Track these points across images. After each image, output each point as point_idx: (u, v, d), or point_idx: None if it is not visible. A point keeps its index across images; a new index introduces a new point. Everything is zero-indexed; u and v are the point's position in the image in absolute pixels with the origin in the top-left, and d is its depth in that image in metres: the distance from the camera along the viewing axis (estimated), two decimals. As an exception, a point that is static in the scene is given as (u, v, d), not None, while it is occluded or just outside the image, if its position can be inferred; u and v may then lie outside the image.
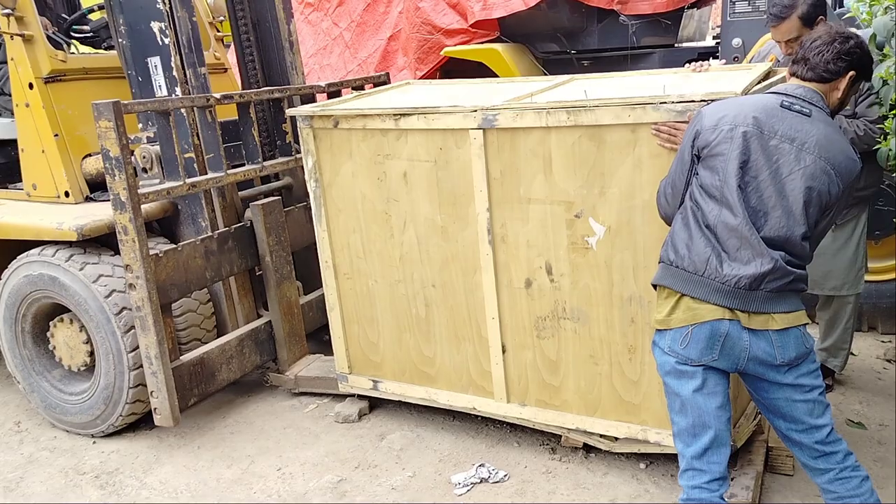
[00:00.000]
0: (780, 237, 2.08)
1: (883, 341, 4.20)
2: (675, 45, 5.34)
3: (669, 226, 2.37)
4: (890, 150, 2.63)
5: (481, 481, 3.14)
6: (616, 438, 3.09)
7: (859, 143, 3.12)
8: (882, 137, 2.92)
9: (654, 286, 2.30)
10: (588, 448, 3.23)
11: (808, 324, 2.17)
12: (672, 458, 3.12)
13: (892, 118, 2.59)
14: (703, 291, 2.12)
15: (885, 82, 2.58)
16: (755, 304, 2.09)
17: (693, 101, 2.55)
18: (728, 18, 4.68)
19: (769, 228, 2.09)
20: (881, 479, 2.98)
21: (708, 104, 2.47)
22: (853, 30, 2.27)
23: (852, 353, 3.99)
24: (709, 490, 2.18)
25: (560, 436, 3.27)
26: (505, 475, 3.17)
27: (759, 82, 2.93)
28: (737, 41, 4.62)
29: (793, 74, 2.26)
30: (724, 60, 4.66)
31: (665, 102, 2.60)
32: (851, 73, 2.18)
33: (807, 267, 2.19)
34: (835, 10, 4.04)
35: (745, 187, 2.09)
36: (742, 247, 2.09)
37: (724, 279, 2.10)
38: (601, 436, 3.12)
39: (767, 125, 2.11)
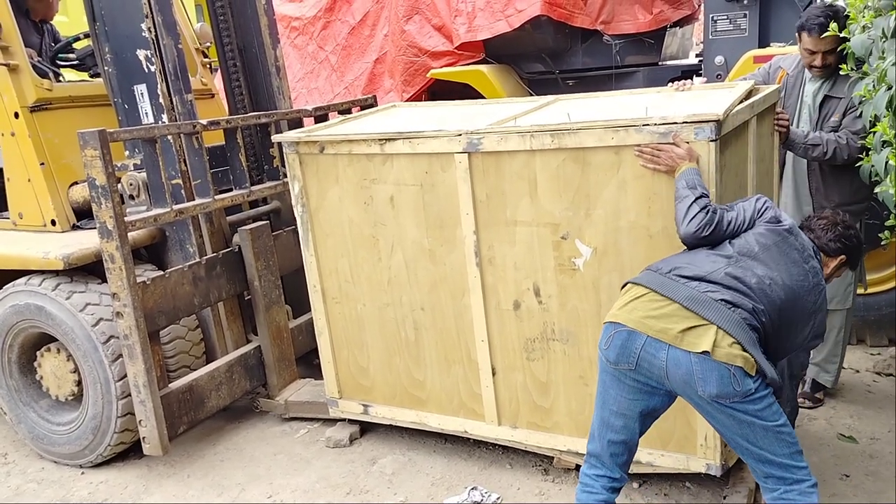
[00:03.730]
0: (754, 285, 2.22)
1: (872, 354, 4.21)
2: (659, 63, 5.39)
3: (686, 243, 2.40)
4: (872, 165, 2.66)
5: (474, 504, 3.13)
6: (608, 459, 3.08)
7: (840, 153, 3.24)
8: (864, 153, 2.95)
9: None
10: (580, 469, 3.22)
11: (749, 374, 2.08)
12: (664, 478, 3.12)
13: (873, 135, 2.62)
14: (651, 279, 2.27)
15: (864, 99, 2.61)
16: (693, 301, 2.14)
17: (675, 123, 2.57)
18: (710, 36, 4.73)
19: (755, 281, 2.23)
20: (873, 493, 2.99)
21: (691, 125, 2.55)
22: None
23: (842, 367, 4.01)
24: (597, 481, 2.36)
25: (552, 457, 3.26)
26: (498, 498, 3.15)
27: (741, 100, 2.96)
28: (719, 59, 4.67)
29: None
30: (705, 79, 4.71)
31: (647, 125, 2.62)
32: (842, 257, 2.48)
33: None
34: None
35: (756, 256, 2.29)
36: (713, 261, 2.26)
37: (677, 272, 2.26)
38: (593, 457, 3.10)
39: (797, 230, 2.42)
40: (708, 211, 2.36)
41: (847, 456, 3.26)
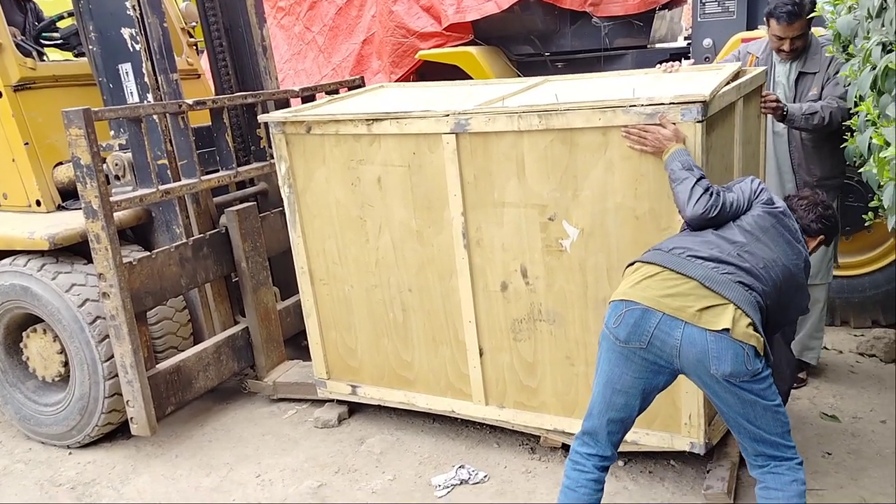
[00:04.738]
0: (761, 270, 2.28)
1: (855, 335, 4.26)
2: (648, 46, 5.38)
3: (692, 225, 2.41)
4: (857, 146, 2.68)
5: (462, 482, 3.15)
6: (594, 438, 3.11)
7: (836, 116, 3.30)
8: (849, 133, 2.98)
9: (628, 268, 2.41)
10: (567, 448, 3.24)
11: (759, 354, 2.14)
12: (650, 456, 3.16)
13: (857, 115, 2.63)
14: (664, 258, 2.27)
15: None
16: (713, 281, 2.17)
17: (662, 104, 2.58)
18: (699, 19, 4.72)
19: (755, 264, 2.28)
20: (854, 470, 3.03)
21: (678, 106, 2.56)
22: None
23: (825, 348, 4.06)
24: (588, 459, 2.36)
25: (539, 436, 3.28)
26: (485, 476, 3.18)
27: (728, 82, 2.97)
28: (707, 42, 4.67)
29: None
30: (692, 60, 4.71)
31: (635, 105, 2.62)
32: (822, 237, 2.56)
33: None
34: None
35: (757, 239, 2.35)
36: (723, 243, 2.29)
37: (690, 252, 2.27)
38: (579, 436, 3.14)
39: (788, 212, 2.49)
40: (712, 193, 2.38)
41: (829, 434, 3.31)
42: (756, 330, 2.14)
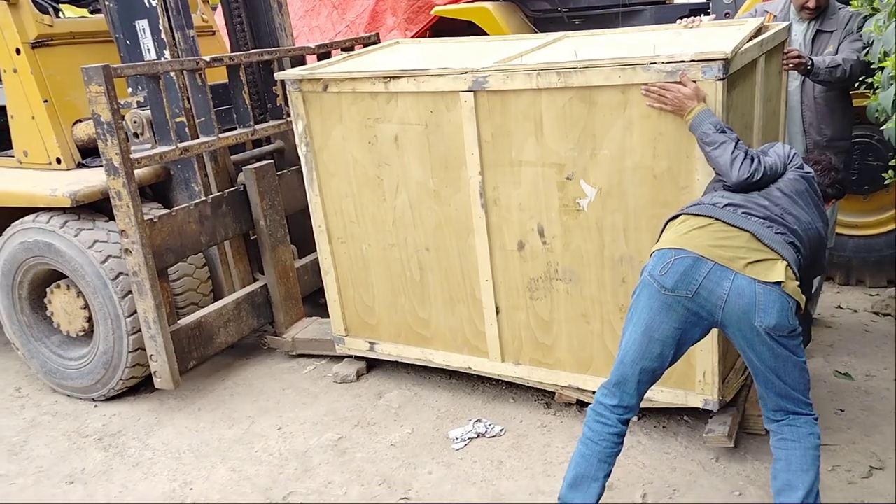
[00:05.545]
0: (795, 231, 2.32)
1: (871, 295, 4.26)
2: (667, 1, 5.29)
3: (737, 189, 2.40)
4: (878, 104, 2.66)
5: (478, 436, 3.22)
6: (608, 394, 3.15)
7: (855, 69, 3.32)
8: (871, 91, 2.95)
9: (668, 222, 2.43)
10: (582, 403, 3.30)
11: (800, 309, 2.19)
12: (663, 412, 3.20)
13: (880, 72, 2.60)
14: (717, 212, 2.29)
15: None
16: (767, 237, 2.19)
17: (683, 62, 2.55)
18: (720, -27, 4.64)
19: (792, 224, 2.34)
20: (867, 427, 3.07)
21: (699, 63, 2.53)
22: None
23: (839, 307, 4.08)
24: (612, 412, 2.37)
25: (554, 392, 3.33)
26: (501, 430, 3.25)
27: (750, 39, 2.93)
28: (728, -4, 4.60)
29: None
30: (713, 16, 4.64)
31: (655, 63, 2.60)
32: (833, 200, 2.65)
33: None
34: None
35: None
36: (769, 204, 2.35)
37: (744, 210, 2.29)
38: (594, 392, 3.17)
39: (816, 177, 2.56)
40: (753, 157, 2.39)
41: (843, 392, 3.34)
42: (800, 288, 2.19)
